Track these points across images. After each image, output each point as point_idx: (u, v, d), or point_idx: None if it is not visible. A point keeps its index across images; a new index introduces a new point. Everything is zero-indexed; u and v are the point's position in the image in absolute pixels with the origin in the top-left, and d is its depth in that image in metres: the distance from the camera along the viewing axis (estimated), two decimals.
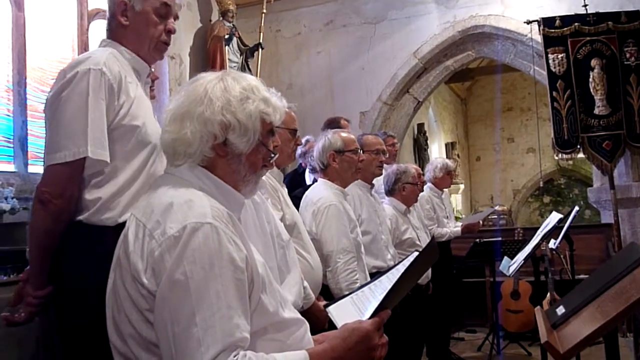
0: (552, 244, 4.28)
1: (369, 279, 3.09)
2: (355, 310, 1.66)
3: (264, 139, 1.49)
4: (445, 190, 5.74)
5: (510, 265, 4.01)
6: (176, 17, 2.15)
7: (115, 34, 2.08)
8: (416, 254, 1.71)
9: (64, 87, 1.88)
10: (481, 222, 5.90)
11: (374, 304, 1.57)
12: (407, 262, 1.78)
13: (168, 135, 1.45)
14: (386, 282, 1.77)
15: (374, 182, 3.79)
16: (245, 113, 1.44)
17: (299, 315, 1.49)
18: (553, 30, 5.87)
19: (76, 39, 5.37)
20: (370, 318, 1.49)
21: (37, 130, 4.77)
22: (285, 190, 2.67)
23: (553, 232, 4.02)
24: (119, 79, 1.92)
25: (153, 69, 2.28)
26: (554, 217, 4.04)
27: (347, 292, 2.74)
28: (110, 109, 1.90)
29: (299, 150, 3.90)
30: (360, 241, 3.17)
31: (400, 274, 1.55)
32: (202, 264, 1.25)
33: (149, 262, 1.29)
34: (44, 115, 1.98)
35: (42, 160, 1.95)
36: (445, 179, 5.50)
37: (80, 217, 1.88)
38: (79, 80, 1.86)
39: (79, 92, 1.85)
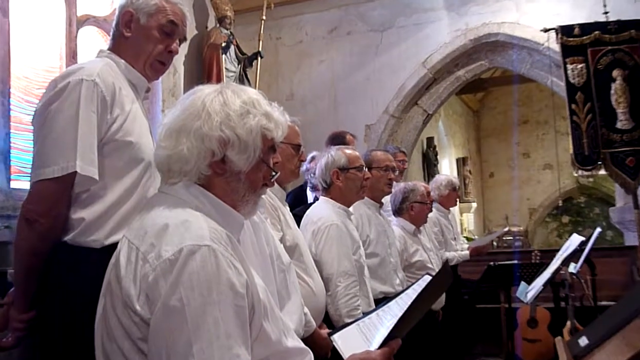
0: (573, 268, 4.26)
1: (372, 305, 3.08)
2: (362, 338, 1.66)
3: (264, 156, 1.50)
4: (452, 209, 5.73)
5: (528, 291, 3.99)
6: (183, 39, 2.17)
7: (116, 44, 2.11)
8: (428, 277, 1.71)
9: (54, 98, 1.89)
10: (493, 243, 5.89)
11: (383, 332, 1.57)
12: (418, 287, 1.77)
13: (162, 152, 1.46)
14: (395, 308, 1.76)
15: (383, 200, 3.78)
16: (246, 128, 1.45)
17: (303, 345, 1.49)
18: (572, 39, 5.88)
19: (64, 46, 5.40)
20: (379, 348, 1.48)
21: (21, 143, 4.79)
22: (287, 209, 2.67)
23: (573, 256, 4.00)
24: (112, 91, 1.94)
25: (160, 80, 2.32)
26: (575, 240, 4.03)
27: (347, 319, 2.74)
28: (102, 122, 1.90)
29: (304, 166, 3.90)
30: (363, 263, 3.16)
31: (412, 300, 1.55)
32: (199, 290, 1.25)
33: (143, 288, 1.29)
34: (31, 127, 1.99)
35: (27, 175, 1.96)
36: (450, 197, 5.51)
37: (66, 238, 1.88)
38: (70, 91, 1.88)
39: (70, 104, 1.87)
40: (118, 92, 1.95)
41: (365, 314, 1.81)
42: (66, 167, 1.83)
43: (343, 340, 1.69)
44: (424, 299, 1.60)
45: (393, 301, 1.78)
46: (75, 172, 1.84)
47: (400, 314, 1.53)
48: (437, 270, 3.94)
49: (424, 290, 1.56)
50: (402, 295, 1.79)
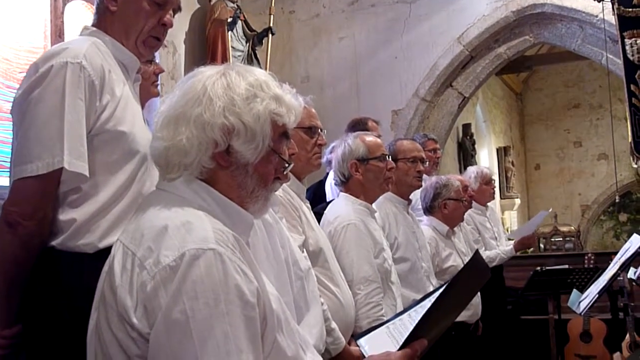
0: (632, 273, 4.23)
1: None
2: (392, 342, 1.66)
3: (275, 145, 1.50)
4: (492, 205, 5.69)
5: (581, 300, 3.96)
6: (177, 10, 2.17)
7: (101, 20, 2.11)
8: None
9: (35, 84, 1.89)
10: (540, 245, 5.85)
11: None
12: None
13: (160, 143, 1.46)
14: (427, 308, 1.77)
15: (411, 197, 3.76)
16: (253, 114, 1.45)
17: None
18: (630, 10, 5.81)
19: (49, 24, 5.43)
20: (401, 349, 1.48)
21: (0, 134, 4.83)
22: (308, 208, 2.67)
23: (634, 259, 3.97)
24: (101, 74, 1.94)
25: (157, 60, 2.29)
26: (635, 241, 3.99)
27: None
28: (90, 110, 1.91)
29: (325, 157, 3.89)
30: (388, 268, 3.15)
31: (438, 294, 1.55)
32: (205, 300, 1.25)
33: (140, 298, 1.29)
34: (10, 117, 2.00)
35: (8, 171, 1.97)
36: (484, 191, 5.47)
37: (53, 243, 1.89)
38: (53, 75, 1.88)
39: (54, 90, 1.87)
40: (107, 76, 1.96)
41: (396, 315, 1.82)
42: (52, 163, 1.84)
43: (371, 345, 1.70)
44: (454, 295, 1.61)
45: (427, 299, 1.77)
46: (62, 168, 1.84)
47: (424, 311, 1.53)
48: None
49: (453, 283, 1.56)
50: (436, 293, 1.79)
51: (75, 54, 1.92)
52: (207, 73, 1.50)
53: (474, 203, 5.37)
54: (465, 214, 5.15)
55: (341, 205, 3.17)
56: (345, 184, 3.22)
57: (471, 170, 5.62)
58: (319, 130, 2.64)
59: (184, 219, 1.36)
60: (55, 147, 1.84)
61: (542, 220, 6.90)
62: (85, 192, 1.91)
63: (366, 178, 3.18)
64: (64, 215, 1.90)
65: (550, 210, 8.85)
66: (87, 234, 1.89)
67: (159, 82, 2.60)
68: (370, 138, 3.27)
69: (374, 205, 3.28)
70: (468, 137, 10.90)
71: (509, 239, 6.02)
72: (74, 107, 1.88)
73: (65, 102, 1.86)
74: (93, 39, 2.03)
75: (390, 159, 3.27)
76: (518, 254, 5.74)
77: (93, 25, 2.12)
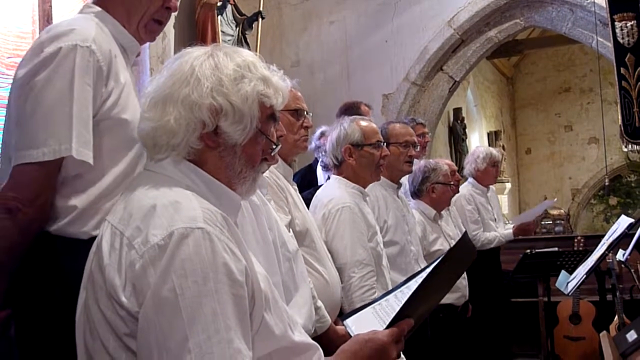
0: (621, 255, 4.25)
1: None
2: (378, 322, 1.67)
3: (263, 127, 1.51)
4: (492, 187, 5.71)
5: (569, 281, 3.99)
6: None
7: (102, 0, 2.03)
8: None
9: (42, 65, 1.82)
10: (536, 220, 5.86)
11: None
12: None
13: (147, 124, 1.47)
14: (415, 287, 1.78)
15: (402, 180, 3.78)
16: (240, 95, 1.45)
17: (311, 340, 1.51)
18: None
19: (37, 8, 5.39)
20: (387, 328, 1.50)
21: None
22: (295, 190, 2.68)
23: (622, 241, 3.99)
24: (109, 59, 1.90)
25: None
26: (624, 222, 4.01)
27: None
28: (96, 96, 1.86)
29: (313, 143, 3.89)
30: (380, 252, 3.17)
31: (426, 275, 1.56)
32: (193, 278, 1.26)
33: (129, 277, 1.30)
34: (7, 101, 1.94)
35: None
36: (489, 172, 5.49)
37: (49, 228, 1.85)
38: (62, 58, 1.82)
39: (63, 74, 1.81)
40: (114, 61, 1.91)
41: (382, 296, 1.83)
42: (59, 150, 1.78)
43: (357, 325, 1.71)
44: (442, 275, 1.62)
45: (413, 280, 1.78)
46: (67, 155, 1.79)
47: (411, 291, 1.55)
48: None
49: (441, 265, 1.57)
50: (423, 273, 1.80)
51: (84, 37, 1.86)
52: (195, 54, 1.50)
53: (475, 182, 5.41)
54: (467, 193, 5.19)
55: (334, 187, 3.17)
56: (337, 167, 3.22)
57: (480, 149, 5.63)
58: (305, 112, 2.65)
59: (172, 199, 1.36)
60: (63, 134, 1.79)
61: (544, 209, 6.92)
62: (86, 179, 1.87)
63: (359, 164, 3.18)
64: (65, 202, 1.85)
65: (555, 200, 8.87)
66: (86, 220, 1.86)
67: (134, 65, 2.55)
68: (366, 123, 3.26)
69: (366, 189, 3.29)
70: (459, 122, 10.90)
71: (506, 222, 6.04)
72: (82, 93, 1.82)
73: (74, 88, 1.81)
74: (96, 20, 1.97)
75: (384, 146, 3.28)
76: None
77: (95, 3, 2.03)
